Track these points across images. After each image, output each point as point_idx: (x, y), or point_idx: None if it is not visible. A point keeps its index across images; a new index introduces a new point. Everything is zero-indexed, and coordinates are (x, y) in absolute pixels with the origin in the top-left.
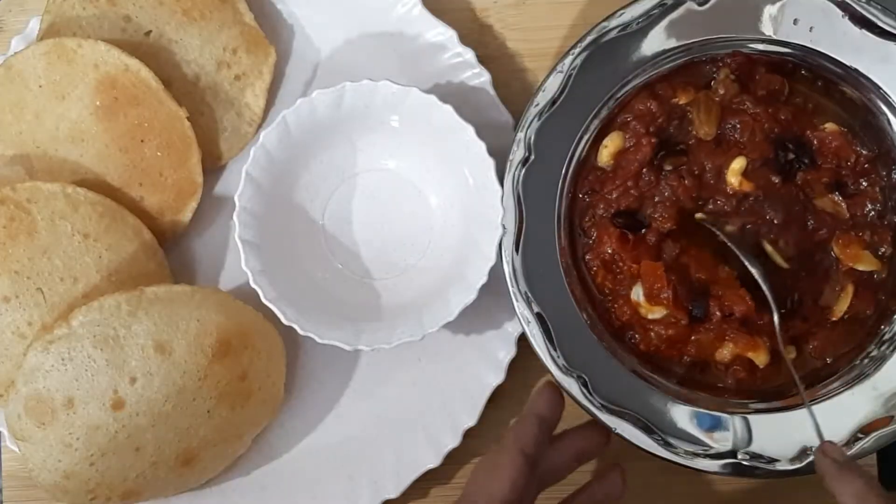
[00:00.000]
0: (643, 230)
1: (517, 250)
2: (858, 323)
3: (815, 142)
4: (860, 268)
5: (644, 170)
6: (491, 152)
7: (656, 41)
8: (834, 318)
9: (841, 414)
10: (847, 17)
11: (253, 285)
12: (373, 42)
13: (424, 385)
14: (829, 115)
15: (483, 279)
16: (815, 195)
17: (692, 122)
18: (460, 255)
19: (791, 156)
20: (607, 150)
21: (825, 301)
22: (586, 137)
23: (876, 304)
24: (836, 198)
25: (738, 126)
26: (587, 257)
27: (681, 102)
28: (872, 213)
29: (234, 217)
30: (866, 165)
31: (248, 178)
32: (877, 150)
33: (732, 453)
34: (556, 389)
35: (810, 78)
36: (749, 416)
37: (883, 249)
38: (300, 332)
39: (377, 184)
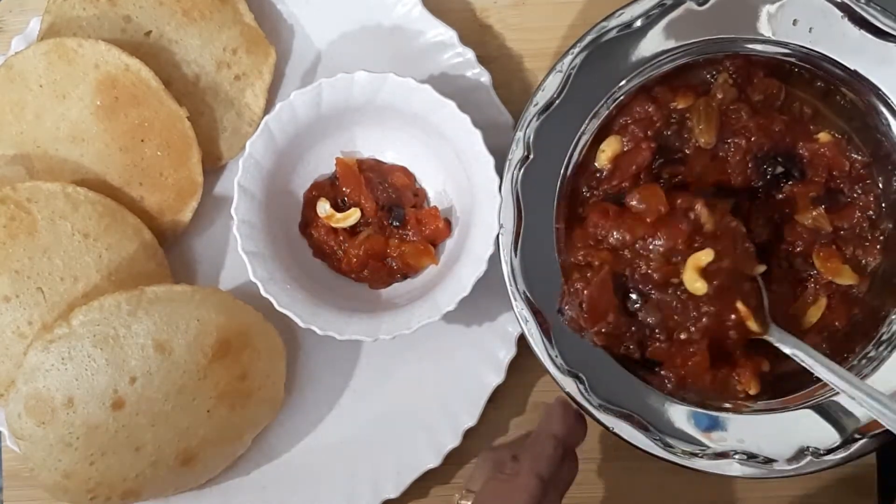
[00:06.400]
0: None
1: (516, 250)
2: (830, 331)
3: (808, 154)
4: (839, 281)
5: (642, 175)
6: (490, 152)
7: (656, 41)
8: (801, 329)
9: (839, 414)
10: (846, 18)
11: (265, 295)
12: (373, 42)
13: (424, 385)
14: (826, 121)
15: (490, 250)
16: (798, 210)
17: (691, 129)
18: (464, 230)
19: (780, 169)
20: (605, 153)
21: (795, 310)
22: (585, 138)
23: (849, 318)
24: (821, 211)
25: (733, 149)
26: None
27: (679, 107)
28: (863, 224)
29: (234, 230)
30: (862, 171)
31: (242, 189)
32: (873, 156)
33: (730, 453)
34: (577, 412)
35: (808, 80)
36: (746, 416)
37: (867, 260)
38: (318, 332)
39: None
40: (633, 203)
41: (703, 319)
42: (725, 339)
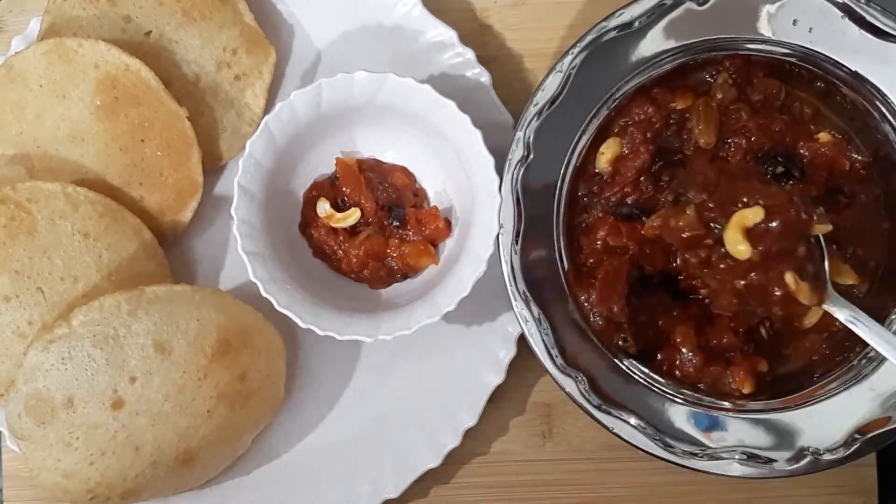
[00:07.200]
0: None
1: (516, 250)
2: (831, 331)
3: (808, 154)
4: (840, 281)
5: (642, 178)
6: (490, 152)
7: (655, 41)
8: (802, 329)
9: (839, 414)
10: (846, 18)
11: (265, 295)
12: (373, 42)
13: (424, 385)
14: (826, 121)
15: (490, 250)
16: None
17: (691, 130)
18: (464, 230)
19: (780, 169)
20: (604, 156)
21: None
22: (585, 138)
23: None
24: (821, 211)
25: (733, 149)
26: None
27: (678, 107)
28: (863, 223)
29: (235, 230)
30: (862, 171)
31: (242, 189)
32: (873, 156)
33: (729, 453)
34: None
35: (808, 80)
36: (746, 417)
37: (867, 260)
38: (318, 332)
39: None
40: (652, 224)
41: (741, 292)
42: (767, 314)
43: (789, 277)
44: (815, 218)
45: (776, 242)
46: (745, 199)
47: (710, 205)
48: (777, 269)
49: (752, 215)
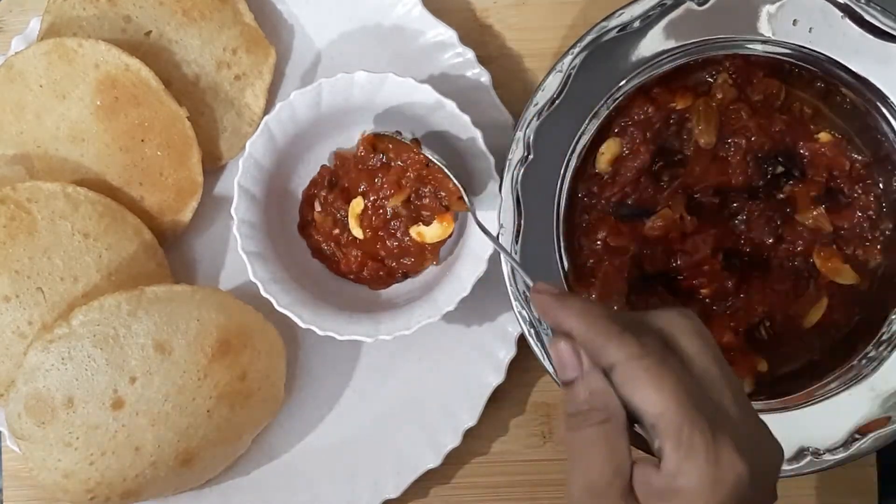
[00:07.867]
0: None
1: (516, 249)
2: (831, 331)
3: (808, 153)
4: (840, 281)
5: (642, 178)
6: (491, 152)
7: (656, 41)
8: (803, 328)
9: (838, 414)
10: (846, 18)
11: (265, 295)
12: (373, 42)
13: (424, 385)
14: (826, 121)
15: (490, 249)
16: (799, 209)
17: (691, 130)
18: (463, 229)
19: (780, 169)
20: (604, 156)
21: (796, 310)
22: (585, 138)
23: (850, 318)
24: (821, 211)
25: (733, 149)
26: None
27: (678, 107)
28: (863, 223)
29: (235, 230)
30: (862, 171)
31: (242, 189)
32: (873, 156)
33: None
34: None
35: (808, 80)
36: None
37: (868, 260)
38: (318, 332)
39: None
40: (653, 225)
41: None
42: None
43: (415, 230)
44: (391, 192)
45: (375, 219)
46: (359, 190)
47: (331, 199)
48: (400, 231)
49: (357, 206)
